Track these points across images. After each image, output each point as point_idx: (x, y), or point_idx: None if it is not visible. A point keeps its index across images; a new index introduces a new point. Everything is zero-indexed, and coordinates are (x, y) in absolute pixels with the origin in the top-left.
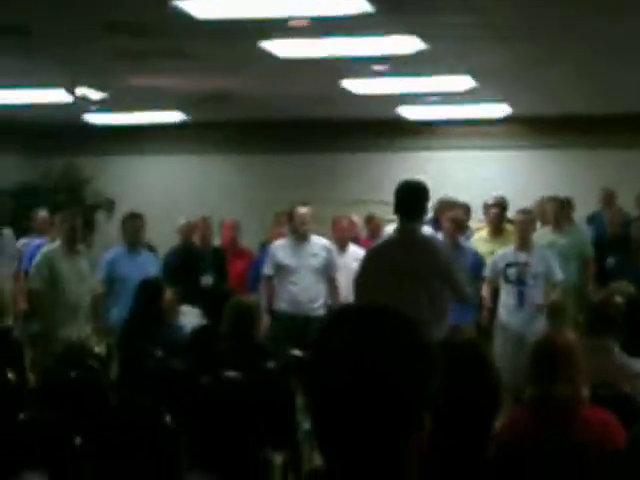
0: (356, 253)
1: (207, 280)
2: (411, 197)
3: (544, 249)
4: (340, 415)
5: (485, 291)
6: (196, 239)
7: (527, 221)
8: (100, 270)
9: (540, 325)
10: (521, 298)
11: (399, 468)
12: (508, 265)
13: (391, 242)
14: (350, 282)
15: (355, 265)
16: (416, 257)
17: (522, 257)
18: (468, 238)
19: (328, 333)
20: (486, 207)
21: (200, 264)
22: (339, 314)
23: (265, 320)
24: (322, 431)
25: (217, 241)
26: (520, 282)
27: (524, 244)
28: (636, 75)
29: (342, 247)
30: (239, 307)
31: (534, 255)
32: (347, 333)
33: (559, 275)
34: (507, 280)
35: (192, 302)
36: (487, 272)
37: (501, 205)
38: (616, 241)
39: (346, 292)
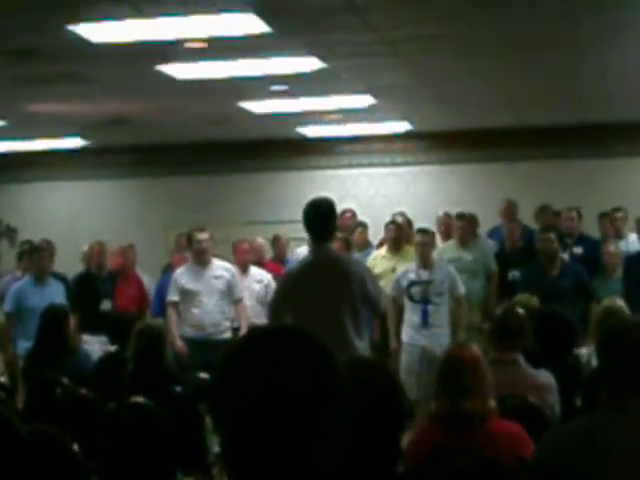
0: (258, 275)
1: (106, 305)
2: (320, 217)
3: (446, 264)
4: (247, 438)
5: (390, 310)
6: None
7: (426, 240)
8: (8, 302)
9: (445, 340)
10: (425, 317)
11: None
12: (411, 284)
13: (309, 264)
14: (253, 304)
15: (257, 286)
16: (336, 278)
17: (425, 275)
18: (368, 255)
19: (235, 356)
20: (385, 225)
21: (98, 290)
22: (246, 337)
23: (181, 346)
24: (229, 454)
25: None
26: (425, 301)
27: (426, 262)
28: (537, 87)
29: (243, 270)
30: (146, 331)
31: (437, 272)
32: (253, 356)
33: (461, 289)
34: (411, 299)
35: (93, 328)
36: (391, 291)
37: (397, 222)
38: (516, 254)
39: (249, 313)
